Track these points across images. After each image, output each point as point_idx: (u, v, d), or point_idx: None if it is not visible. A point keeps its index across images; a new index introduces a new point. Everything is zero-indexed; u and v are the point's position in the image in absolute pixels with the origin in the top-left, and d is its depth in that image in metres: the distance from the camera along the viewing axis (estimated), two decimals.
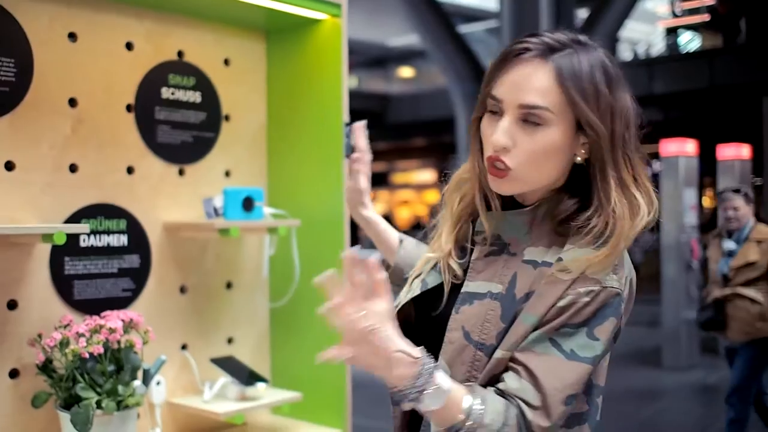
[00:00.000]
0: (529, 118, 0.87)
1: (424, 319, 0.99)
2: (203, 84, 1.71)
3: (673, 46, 14.89)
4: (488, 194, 0.96)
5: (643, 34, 16.16)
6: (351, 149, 1.70)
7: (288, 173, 1.80)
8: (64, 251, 1.45)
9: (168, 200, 1.63)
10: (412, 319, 1.02)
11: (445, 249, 0.98)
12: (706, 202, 14.17)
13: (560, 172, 0.91)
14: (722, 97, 11.55)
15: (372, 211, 1.29)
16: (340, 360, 0.80)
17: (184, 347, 1.66)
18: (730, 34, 12.72)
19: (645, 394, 3.98)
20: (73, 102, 1.48)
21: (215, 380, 1.64)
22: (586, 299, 0.83)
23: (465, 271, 0.95)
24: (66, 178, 1.47)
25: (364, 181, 1.27)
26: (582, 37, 0.91)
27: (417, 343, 0.99)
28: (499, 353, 0.86)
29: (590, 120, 0.86)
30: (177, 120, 1.66)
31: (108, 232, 1.53)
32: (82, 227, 1.36)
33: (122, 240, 1.55)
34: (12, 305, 1.39)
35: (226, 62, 1.76)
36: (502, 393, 0.85)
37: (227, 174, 1.75)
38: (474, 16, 15.16)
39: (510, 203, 0.95)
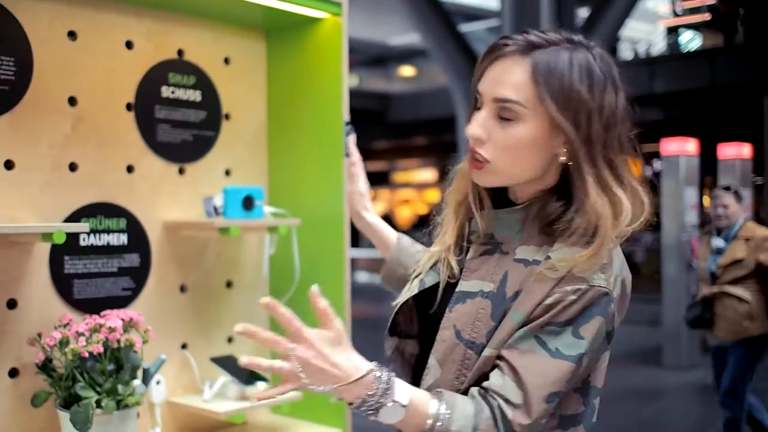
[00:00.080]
0: (502, 113, 0.88)
1: (425, 318, 0.99)
2: (203, 83, 1.70)
3: (674, 45, 14.88)
4: (481, 192, 0.97)
5: (644, 33, 16.14)
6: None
7: (288, 172, 1.79)
8: (64, 250, 1.45)
9: (168, 199, 1.63)
10: (415, 318, 1.02)
11: (445, 248, 0.98)
12: (707, 201, 14.17)
13: (540, 169, 0.90)
14: (723, 97, 11.54)
15: (372, 214, 1.31)
16: (283, 394, 0.84)
17: (184, 346, 1.65)
18: (731, 34, 12.71)
19: (646, 394, 3.98)
20: (72, 101, 1.48)
21: (215, 379, 1.64)
22: (573, 297, 0.83)
23: (462, 270, 0.96)
24: (66, 177, 1.46)
25: (363, 184, 1.30)
26: (576, 37, 0.91)
27: (420, 341, 0.99)
28: (487, 351, 0.86)
29: (557, 117, 0.86)
30: (177, 119, 1.66)
31: (108, 231, 1.53)
32: (82, 226, 1.36)
33: (122, 239, 1.55)
34: (12, 304, 1.38)
35: (227, 61, 1.75)
36: (486, 391, 0.85)
37: (227, 173, 1.75)
38: (475, 14, 15.15)
39: (504, 202, 0.95)
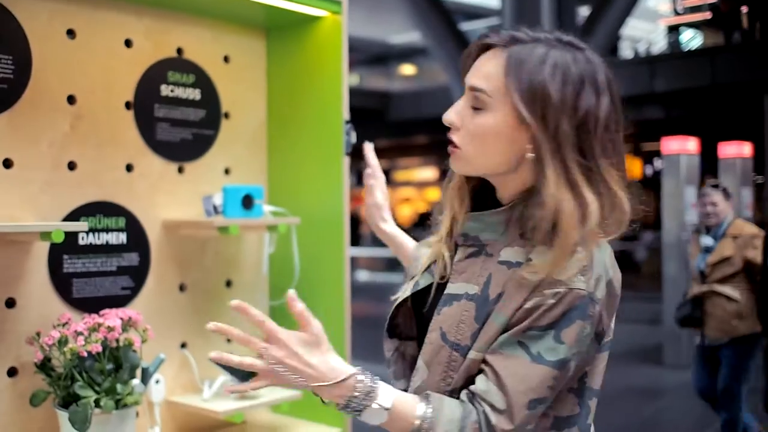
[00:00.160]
0: (474, 101, 0.90)
1: (421, 319, 1.00)
2: (203, 81, 1.70)
3: (674, 43, 14.86)
4: (463, 193, 0.97)
5: (645, 32, 16.13)
6: (351, 147, 1.69)
7: (288, 171, 1.79)
8: (63, 249, 1.45)
9: (167, 198, 1.63)
10: (414, 319, 1.02)
11: (440, 248, 0.98)
12: None
13: (509, 162, 0.89)
14: (724, 95, 11.53)
15: (391, 225, 1.31)
16: (256, 390, 0.89)
17: (183, 346, 1.65)
18: (732, 32, 12.69)
19: (646, 392, 3.97)
20: (71, 99, 1.47)
21: (215, 379, 1.64)
22: (552, 301, 0.83)
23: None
24: (65, 176, 1.46)
25: (381, 196, 1.30)
26: (567, 37, 0.90)
27: (418, 343, 0.99)
28: (472, 354, 0.87)
29: (522, 111, 0.85)
30: (176, 117, 1.65)
31: (107, 230, 1.53)
32: (81, 225, 1.36)
33: (121, 238, 1.55)
34: (10, 303, 1.38)
35: (226, 59, 1.75)
36: (473, 395, 0.85)
37: (227, 172, 1.75)
38: (475, 13, 15.13)
39: (493, 204, 0.95)
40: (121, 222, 1.55)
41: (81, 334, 1.32)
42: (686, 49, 14.36)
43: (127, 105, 1.57)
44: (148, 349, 1.47)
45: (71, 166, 1.47)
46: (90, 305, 1.47)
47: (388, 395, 0.85)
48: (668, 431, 3.62)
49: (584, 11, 10.81)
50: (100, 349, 1.31)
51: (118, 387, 1.32)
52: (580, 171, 0.85)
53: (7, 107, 1.38)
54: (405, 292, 1.01)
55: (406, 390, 0.94)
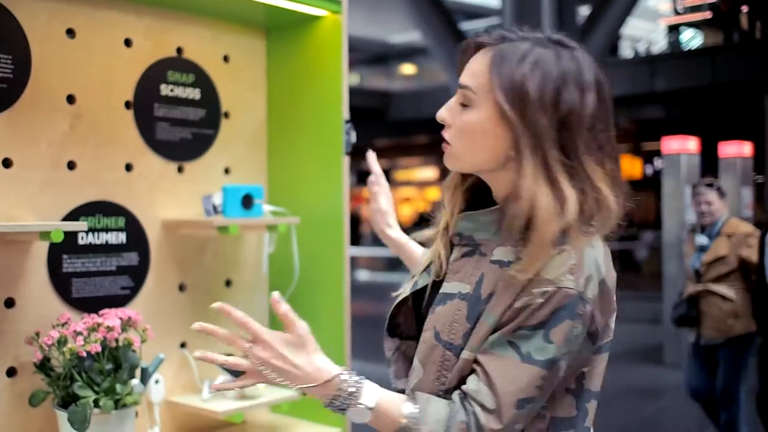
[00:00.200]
0: (462, 99, 0.91)
1: (420, 318, 1.00)
2: (202, 81, 1.70)
3: (675, 43, 14.85)
4: (457, 193, 0.98)
5: (646, 31, 16.12)
6: (351, 146, 1.69)
7: (288, 171, 1.79)
8: (63, 249, 1.45)
9: (167, 198, 1.62)
10: (414, 317, 1.02)
11: (438, 247, 0.98)
12: None
13: (496, 159, 0.90)
14: (724, 95, 11.53)
15: (397, 231, 1.31)
16: (243, 388, 0.93)
17: (183, 345, 1.65)
18: (732, 32, 12.69)
19: (646, 392, 3.97)
20: (71, 99, 1.47)
21: (214, 379, 1.64)
22: (540, 300, 0.82)
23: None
24: (64, 176, 1.46)
25: (385, 202, 1.30)
26: (556, 36, 0.91)
27: (418, 341, 0.98)
28: (465, 353, 0.87)
29: (503, 106, 0.86)
30: (176, 117, 1.65)
31: (106, 230, 1.52)
32: (80, 225, 1.35)
33: (121, 238, 1.54)
34: (9, 303, 1.38)
35: (226, 59, 1.74)
36: (465, 395, 0.85)
37: (227, 171, 1.75)
38: (476, 13, 15.13)
39: (488, 203, 0.95)
40: (121, 222, 1.54)
41: (80, 334, 1.31)
42: (686, 49, 14.35)
43: (127, 104, 1.56)
44: (148, 349, 1.46)
45: (71, 165, 1.47)
46: (89, 305, 1.47)
47: (372, 395, 0.86)
48: (668, 431, 3.61)
49: (584, 11, 10.80)
50: (99, 349, 1.31)
51: (118, 387, 1.32)
52: (562, 168, 0.85)
53: (6, 107, 1.37)
54: (404, 291, 1.01)
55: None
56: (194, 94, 1.68)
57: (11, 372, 1.37)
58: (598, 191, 0.86)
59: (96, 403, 1.29)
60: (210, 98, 1.71)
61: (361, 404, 0.85)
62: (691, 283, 3.47)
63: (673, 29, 15.25)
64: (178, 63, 1.65)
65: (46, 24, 1.43)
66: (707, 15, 13.90)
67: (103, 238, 1.52)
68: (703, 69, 11.49)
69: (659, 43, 15.43)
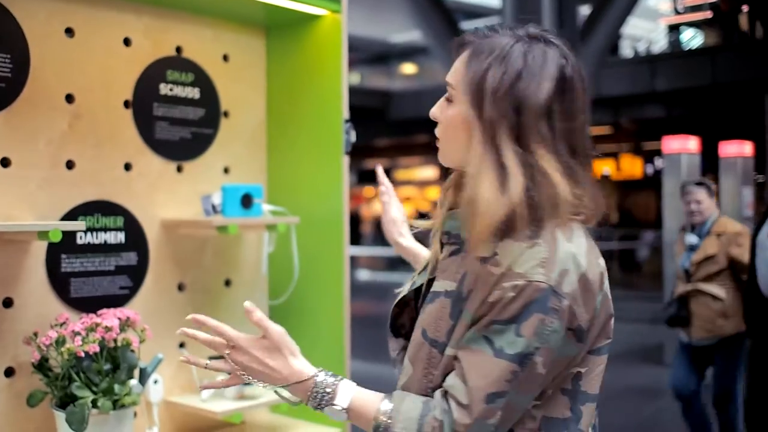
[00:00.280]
0: (447, 96, 0.94)
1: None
2: (202, 80, 1.69)
3: (675, 43, 14.84)
4: (449, 190, 0.99)
5: (646, 31, 16.11)
6: (350, 146, 1.69)
7: (287, 170, 1.78)
8: (61, 248, 1.44)
9: (166, 197, 1.62)
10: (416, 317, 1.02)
11: (434, 247, 0.99)
12: None
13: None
14: (724, 94, 11.52)
15: (409, 239, 1.32)
16: (228, 387, 0.98)
17: (182, 345, 1.64)
18: (733, 31, 12.67)
19: (647, 392, 3.96)
20: (70, 98, 1.46)
21: (213, 379, 1.63)
22: (512, 294, 0.82)
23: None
24: (63, 175, 1.45)
25: (397, 212, 1.32)
26: (536, 31, 0.91)
27: None
28: (448, 350, 0.87)
29: (467, 97, 0.88)
30: (175, 116, 1.64)
31: (105, 230, 1.52)
32: (78, 224, 1.35)
33: (119, 237, 1.54)
34: (8, 303, 1.37)
35: (225, 58, 1.74)
36: (446, 392, 0.86)
37: (226, 171, 1.74)
38: (476, 12, 15.12)
39: None
40: (120, 221, 1.54)
41: (78, 334, 1.31)
42: (687, 48, 14.34)
43: (126, 104, 1.56)
44: (147, 349, 1.46)
45: (69, 165, 1.46)
46: (88, 305, 1.46)
47: (346, 395, 0.89)
48: (668, 431, 3.61)
49: (585, 10, 10.79)
50: (97, 349, 1.31)
51: (116, 387, 1.32)
52: (514, 156, 0.85)
53: (5, 106, 1.37)
54: (402, 292, 1.01)
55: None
56: (193, 93, 1.68)
57: (9, 372, 1.37)
58: (549, 181, 0.85)
59: (94, 404, 1.29)
60: (209, 97, 1.71)
61: (335, 405, 0.89)
62: (681, 283, 3.44)
63: (674, 29, 15.24)
64: (178, 62, 1.65)
65: (45, 23, 1.42)
66: (708, 14, 13.89)
67: (102, 237, 1.51)
68: (704, 68, 11.48)
69: (659, 43, 15.42)
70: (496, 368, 0.83)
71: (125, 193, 1.55)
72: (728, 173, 7.40)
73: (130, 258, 1.56)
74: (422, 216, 1.09)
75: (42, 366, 1.33)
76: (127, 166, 1.56)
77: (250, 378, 0.94)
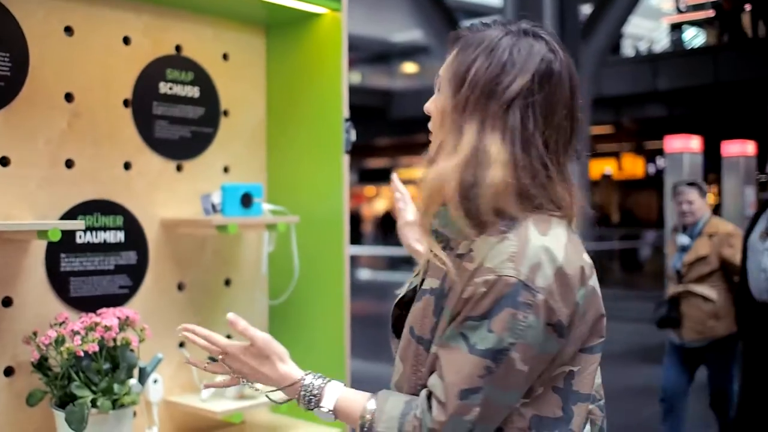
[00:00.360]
0: (437, 87, 0.95)
1: None
2: (202, 79, 1.69)
3: (677, 41, 14.82)
4: None
5: (648, 30, 16.09)
6: (351, 145, 1.68)
7: (287, 169, 1.78)
8: (60, 248, 1.44)
9: (165, 196, 1.62)
10: None
11: (425, 246, 0.99)
12: (710, 198, 14.13)
13: None
14: (727, 93, 11.50)
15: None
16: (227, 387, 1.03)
17: (181, 345, 1.64)
18: (735, 30, 12.65)
19: (647, 392, 3.94)
20: (69, 97, 1.46)
21: (213, 379, 1.63)
22: (483, 290, 0.82)
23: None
24: (62, 174, 1.45)
25: (412, 216, 1.32)
26: (526, 26, 0.91)
27: None
28: (432, 347, 0.88)
29: (449, 88, 0.89)
30: (175, 115, 1.64)
31: (105, 229, 1.52)
32: (77, 224, 1.35)
33: (119, 236, 1.54)
34: (7, 302, 1.37)
35: (225, 57, 1.74)
36: (430, 391, 0.87)
37: (226, 170, 1.74)
38: (477, 11, 15.11)
39: None
40: (119, 220, 1.54)
41: (78, 333, 1.31)
42: (689, 47, 14.31)
43: (126, 102, 1.56)
44: (147, 349, 1.46)
45: (69, 163, 1.46)
46: (87, 304, 1.46)
47: (332, 396, 0.93)
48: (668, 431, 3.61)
49: (586, 9, 10.77)
50: (97, 348, 1.30)
51: (115, 387, 1.31)
52: (471, 142, 0.86)
53: (4, 105, 1.37)
54: (402, 292, 1.01)
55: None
56: (193, 92, 1.67)
57: (9, 371, 1.36)
58: (490, 168, 0.85)
59: (93, 403, 1.28)
60: (209, 96, 1.70)
61: (321, 406, 0.93)
62: (672, 284, 3.41)
63: (676, 28, 15.22)
64: (177, 61, 1.64)
65: (44, 21, 1.42)
66: (710, 13, 13.86)
67: (102, 236, 1.51)
68: (706, 67, 11.46)
69: (661, 42, 15.39)
70: (469, 364, 0.83)
71: (125, 192, 1.55)
72: (731, 173, 7.40)
73: (130, 257, 1.55)
74: None
75: (41, 365, 1.33)
76: (127, 165, 1.56)
77: (245, 381, 0.98)
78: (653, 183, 14.53)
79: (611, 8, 9.41)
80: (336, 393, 0.93)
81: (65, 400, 1.30)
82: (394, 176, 1.38)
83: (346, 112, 1.66)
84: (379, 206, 19.19)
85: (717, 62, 11.38)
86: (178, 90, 1.64)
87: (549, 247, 0.84)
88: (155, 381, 1.54)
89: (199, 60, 1.68)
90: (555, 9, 8.49)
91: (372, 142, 16.52)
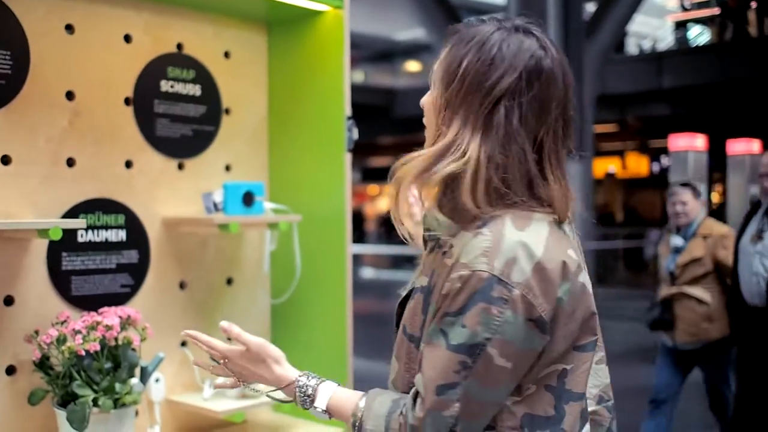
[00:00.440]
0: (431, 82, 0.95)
1: None
2: (203, 77, 1.68)
3: (682, 39, 14.76)
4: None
5: (652, 28, 16.03)
6: (353, 143, 1.67)
7: (289, 168, 1.77)
8: (62, 246, 1.43)
9: (167, 195, 1.61)
10: None
11: (422, 245, 0.99)
12: (715, 197, 14.07)
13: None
14: (732, 92, 11.44)
15: None
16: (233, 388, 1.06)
17: (183, 344, 1.64)
18: (741, 28, 12.59)
19: (647, 392, 3.94)
20: (70, 95, 1.46)
21: (215, 378, 1.62)
22: (458, 285, 0.83)
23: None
24: (63, 172, 1.44)
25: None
26: (519, 22, 0.91)
27: None
28: (421, 344, 0.88)
29: (440, 83, 0.90)
30: (176, 113, 1.63)
31: (106, 227, 1.51)
32: (78, 222, 1.34)
33: (121, 235, 1.53)
34: (9, 301, 1.37)
35: (227, 55, 1.73)
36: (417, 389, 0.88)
37: (227, 168, 1.73)
38: (480, 9, 15.08)
39: None
40: (121, 219, 1.53)
41: (79, 332, 1.30)
42: (694, 45, 14.25)
43: (127, 101, 1.55)
44: (149, 348, 1.45)
45: (70, 162, 1.46)
46: (89, 303, 1.46)
47: (325, 396, 0.95)
48: (668, 431, 3.59)
49: (591, 7, 10.74)
50: (98, 347, 1.30)
51: (117, 386, 1.31)
52: (451, 135, 0.87)
53: (4, 103, 1.36)
54: (404, 291, 1.01)
55: None
56: (195, 90, 1.66)
57: (11, 370, 1.36)
58: (467, 162, 0.85)
59: (95, 402, 1.28)
60: (211, 94, 1.70)
61: (315, 406, 0.95)
62: (665, 286, 3.37)
63: (681, 26, 15.16)
64: (179, 59, 1.64)
65: (44, 19, 1.42)
66: (715, 11, 13.80)
67: (103, 235, 1.51)
68: (711, 65, 11.41)
69: (666, 40, 15.34)
70: (444, 359, 0.83)
71: (126, 191, 1.54)
72: (736, 171, 7.37)
73: (131, 256, 1.55)
74: None
75: (43, 364, 1.33)
76: (128, 164, 1.55)
77: (245, 383, 1.03)
78: (658, 182, 14.47)
79: (615, 6, 9.38)
80: (329, 392, 0.95)
81: (67, 400, 1.30)
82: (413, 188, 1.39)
83: (348, 111, 1.65)
84: (382, 205, 19.18)
85: (722, 60, 11.33)
86: (180, 88, 1.64)
87: (526, 242, 0.83)
88: (157, 380, 1.54)
89: (201, 58, 1.68)
90: (559, 7, 8.46)
91: (375, 141, 16.52)
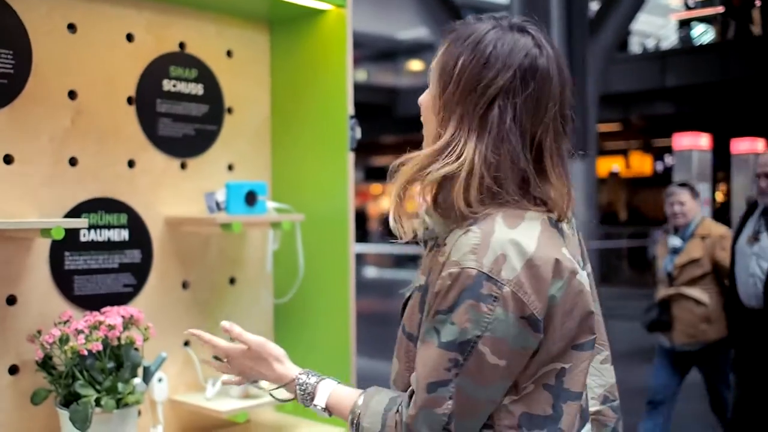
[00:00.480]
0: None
1: None
2: (205, 76, 1.68)
3: (686, 38, 14.72)
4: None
5: (656, 26, 15.99)
6: (356, 142, 1.67)
7: (292, 167, 1.77)
8: (64, 246, 1.43)
9: (170, 194, 1.61)
10: None
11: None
12: (719, 196, 14.02)
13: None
14: (736, 91, 11.40)
15: None
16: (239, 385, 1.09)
17: (186, 344, 1.63)
18: (745, 27, 12.54)
19: (646, 392, 3.92)
20: (72, 94, 1.45)
21: (218, 377, 1.62)
22: (449, 282, 0.83)
23: None
24: (66, 172, 1.44)
25: None
26: (515, 21, 0.91)
27: None
28: (418, 343, 0.88)
29: (437, 82, 0.90)
30: (179, 113, 1.63)
31: (109, 227, 1.51)
32: (81, 222, 1.34)
33: (123, 235, 1.53)
34: (11, 300, 1.37)
35: (229, 54, 1.72)
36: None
37: (230, 168, 1.73)
38: (483, 8, 15.07)
39: None
40: (123, 218, 1.53)
41: (82, 332, 1.30)
42: (697, 44, 14.21)
43: (129, 100, 1.55)
44: (151, 348, 1.45)
45: (72, 161, 1.45)
46: (91, 303, 1.46)
47: (324, 394, 0.96)
48: (668, 431, 3.57)
49: (594, 6, 10.71)
50: (100, 347, 1.30)
51: (119, 386, 1.31)
52: (448, 136, 0.87)
53: (7, 102, 1.36)
54: (407, 291, 1.00)
55: None
56: (197, 89, 1.66)
57: (13, 370, 1.36)
58: (458, 165, 0.86)
59: (98, 402, 1.28)
60: (213, 94, 1.69)
61: (315, 404, 0.97)
62: (663, 287, 3.35)
63: (684, 24, 15.11)
64: (181, 58, 1.63)
65: (47, 18, 1.41)
66: (719, 9, 13.75)
67: (105, 235, 1.50)
68: (715, 64, 11.37)
69: (670, 39, 15.29)
70: (435, 357, 0.83)
71: (128, 190, 1.54)
72: (740, 170, 7.35)
73: (134, 255, 1.55)
74: None
75: (45, 364, 1.33)
76: (131, 163, 1.55)
77: (249, 381, 1.05)
78: (661, 181, 14.43)
79: (619, 5, 9.35)
80: (328, 390, 0.96)
81: (69, 399, 1.29)
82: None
83: (351, 110, 1.65)
84: (385, 204, 19.19)
85: (726, 59, 11.29)
86: (182, 87, 1.63)
87: (517, 239, 0.83)
88: (160, 380, 1.54)
89: (203, 57, 1.67)
90: (562, 6, 8.44)
91: (378, 140, 16.51)
